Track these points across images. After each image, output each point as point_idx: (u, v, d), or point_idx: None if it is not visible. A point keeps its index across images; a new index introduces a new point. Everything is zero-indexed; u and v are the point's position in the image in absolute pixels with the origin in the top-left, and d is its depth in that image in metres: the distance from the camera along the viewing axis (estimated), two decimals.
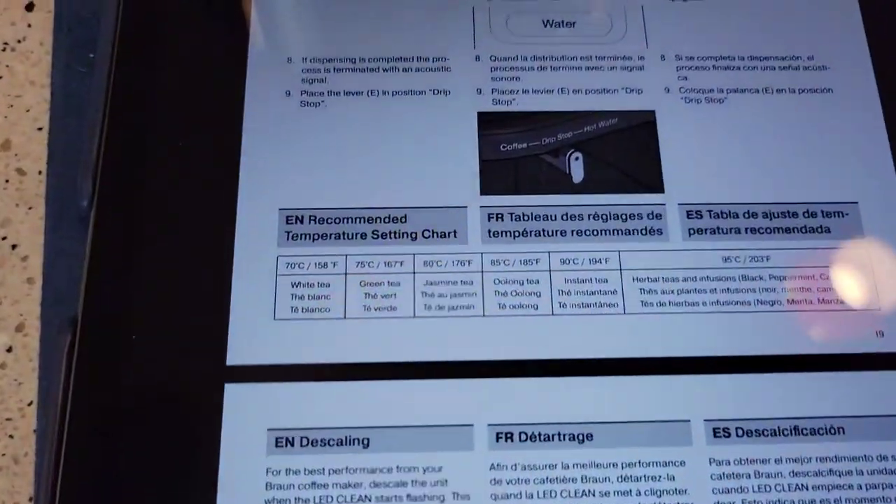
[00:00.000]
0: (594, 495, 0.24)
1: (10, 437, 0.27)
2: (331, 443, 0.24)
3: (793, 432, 0.25)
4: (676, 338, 0.25)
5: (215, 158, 0.27)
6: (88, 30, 0.31)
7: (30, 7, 0.33)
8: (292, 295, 0.25)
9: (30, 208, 0.30)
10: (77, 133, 0.29)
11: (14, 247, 0.29)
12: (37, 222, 0.29)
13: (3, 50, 0.32)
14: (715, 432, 0.24)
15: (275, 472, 0.24)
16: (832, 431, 0.25)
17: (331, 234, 0.26)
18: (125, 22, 0.28)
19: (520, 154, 0.28)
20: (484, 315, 0.26)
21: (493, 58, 0.29)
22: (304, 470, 0.24)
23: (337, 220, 0.26)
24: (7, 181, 0.30)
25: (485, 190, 0.27)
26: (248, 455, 0.24)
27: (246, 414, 0.24)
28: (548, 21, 0.29)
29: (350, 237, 0.26)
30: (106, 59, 0.28)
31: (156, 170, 0.27)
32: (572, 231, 0.27)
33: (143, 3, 0.29)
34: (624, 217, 0.27)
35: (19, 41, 0.32)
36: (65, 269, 0.29)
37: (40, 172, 0.30)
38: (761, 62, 0.29)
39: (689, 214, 0.27)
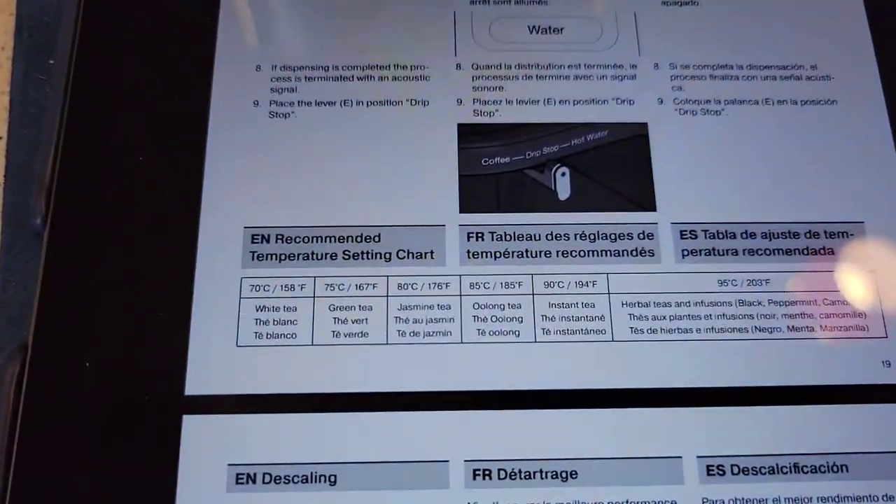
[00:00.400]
0: None
1: None
2: (295, 479, 0.23)
3: (792, 470, 0.23)
4: (668, 368, 0.24)
5: (177, 173, 0.26)
6: (49, 35, 0.30)
7: None
8: (256, 320, 0.24)
9: None
10: (34, 145, 0.28)
11: None
12: None
13: None
14: (709, 470, 0.23)
15: None
16: (835, 469, 0.23)
17: (299, 255, 0.25)
18: (85, 27, 0.27)
19: (502, 169, 0.26)
20: (462, 342, 0.24)
21: (474, 66, 0.27)
22: None
23: (305, 240, 0.25)
24: None
25: (464, 208, 0.26)
26: (206, 492, 0.23)
27: (205, 447, 0.23)
28: (534, 27, 0.28)
29: (319, 258, 0.25)
30: (64, 66, 0.27)
31: (114, 186, 0.25)
32: (557, 252, 0.25)
33: (103, 6, 0.27)
34: (613, 237, 0.25)
35: None
36: (21, 289, 0.27)
37: None
38: (761, 71, 0.28)
39: (682, 235, 0.25)
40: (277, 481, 0.23)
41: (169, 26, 0.28)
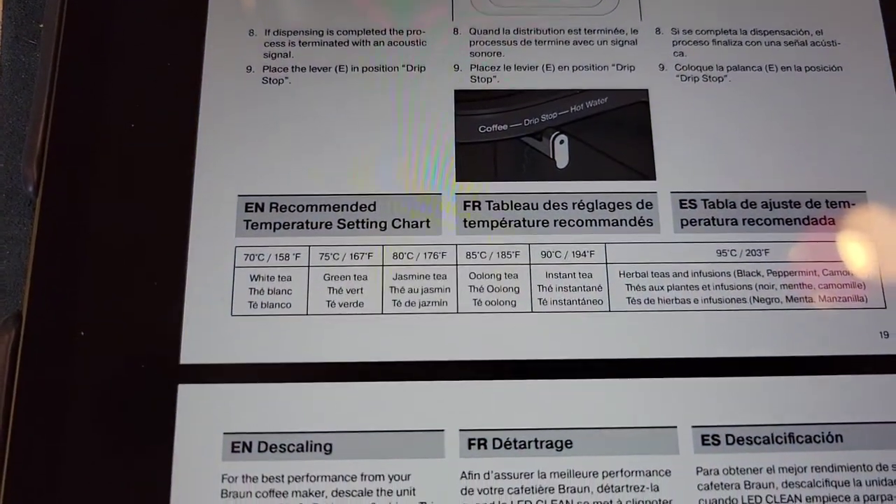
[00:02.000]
0: None
1: None
2: (291, 448, 0.24)
3: (787, 440, 0.24)
4: (665, 338, 0.25)
5: (169, 140, 0.26)
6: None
7: None
8: (251, 289, 0.25)
9: None
10: (26, 111, 0.28)
11: None
12: None
13: None
14: (703, 440, 0.24)
15: (231, 479, 0.23)
16: (829, 439, 0.24)
17: (293, 223, 0.25)
18: None
19: (500, 136, 0.27)
20: (457, 312, 0.25)
21: (472, 31, 0.28)
22: (262, 477, 0.23)
23: (300, 208, 0.26)
24: None
25: (461, 176, 0.26)
26: (202, 460, 0.23)
27: (200, 416, 0.24)
28: None
29: (314, 226, 0.25)
30: (53, 32, 0.27)
31: (105, 153, 0.26)
32: (555, 221, 0.26)
33: None
34: (611, 206, 0.26)
35: None
36: (14, 258, 0.28)
37: None
38: (765, 37, 0.28)
39: (681, 204, 0.26)
40: (273, 450, 0.24)
41: None
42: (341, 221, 0.26)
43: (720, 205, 0.26)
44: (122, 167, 0.26)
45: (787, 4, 0.28)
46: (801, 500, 0.23)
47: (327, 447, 0.24)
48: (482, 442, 0.24)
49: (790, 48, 0.28)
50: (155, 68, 0.27)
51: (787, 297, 0.25)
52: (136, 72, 0.27)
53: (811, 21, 0.28)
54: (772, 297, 0.25)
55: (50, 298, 0.25)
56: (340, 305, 0.25)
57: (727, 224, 0.26)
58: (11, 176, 0.29)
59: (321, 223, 0.26)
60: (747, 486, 0.24)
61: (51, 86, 0.27)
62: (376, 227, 0.26)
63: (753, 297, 0.25)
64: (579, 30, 0.28)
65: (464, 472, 0.23)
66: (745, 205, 0.26)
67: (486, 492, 0.23)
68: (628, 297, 0.25)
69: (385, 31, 0.28)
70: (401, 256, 0.25)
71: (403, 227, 0.26)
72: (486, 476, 0.23)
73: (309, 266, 0.25)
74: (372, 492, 0.23)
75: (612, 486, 0.23)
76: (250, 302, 0.25)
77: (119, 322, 0.25)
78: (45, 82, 0.27)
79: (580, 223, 0.26)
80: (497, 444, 0.24)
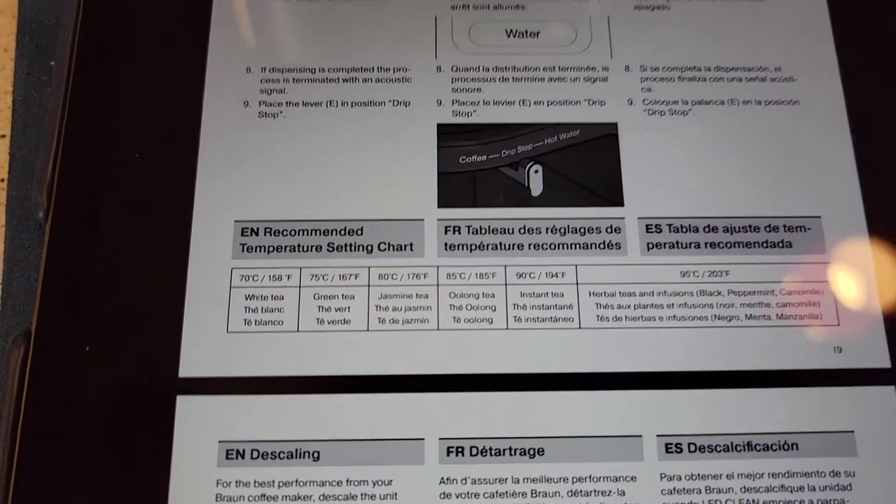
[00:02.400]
0: None
1: None
2: (281, 455, 0.26)
3: (746, 448, 0.26)
4: (631, 353, 0.27)
5: (171, 169, 0.28)
6: (51, 37, 0.33)
7: None
8: (246, 307, 0.27)
9: None
10: (37, 144, 0.31)
11: None
12: None
13: None
14: (667, 448, 0.26)
15: (225, 484, 0.25)
16: (786, 447, 0.26)
17: (286, 247, 0.28)
18: (83, 29, 0.30)
19: (479, 167, 0.29)
20: (438, 329, 0.27)
21: (454, 68, 0.30)
22: (254, 482, 0.25)
23: (292, 233, 0.28)
24: None
25: (442, 203, 0.28)
26: (199, 466, 0.25)
27: (197, 426, 0.26)
28: (511, 31, 0.31)
29: (305, 249, 0.28)
30: (64, 68, 0.30)
31: (111, 182, 0.28)
32: (529, 245, 0.28)
33: (101, 9, 0.30)
34: (582, 231, 0.28)
35: None
36: (24, 279, 0.30)
37: (2, 180, 0.32)
38: (727, 73, 0.30)
39: (647, 228, 0.28)
40: (265, 457, 0.26)
41: (164, 30, 0.30)
42: (330, 245, 0.28)
43: (684, 229, 0.28)
44: (126, 194, 0.28)
45: (748, 43, 0.31)
46: None
47: (315, 454, 0.26)
48: (460, 450, 0.26)
49: (751, 84, 0.30)
50: (158, 102, 0.29)
51: (746, 315, 0.27)
52: (140, 106, 0.29)
53: (770, 59, 0.31)
54: (732, 314, 0.27)
55: (58, 316, 0.27)
56: (329, 323, 0.27)
57: (690, 247, 0.28)
58: (22, 203, 0.31)
59: (312, 246, 0.28)
60: (708, 491, 0.25)
61: (61, 119, 0.29)
62: (363, 250, 0.28)
63: (715, 315, 0.27)
64: (554, 67, 0.30)
65: (443, 478, 0.25)
66: (707, 229, 0.28)
67: (463, 496, 0.25)
68: (597, 315, 0.27)
69: (373, 68, 0.30)
70: (386, 277, 0.27)
71: (389, 250, 0.28)
72: (464, 482, 0.25)
73: (300, 286, 0.27)
74: (356, 496, 0.25)
75: (581, 491, 0.25)
76: (245, 319, 0.27)
77: (122, 338, 0.27)
78: (56, 116, 0.29)
79: (553, 246, 0.28)
80: (474, 451, 0.26)
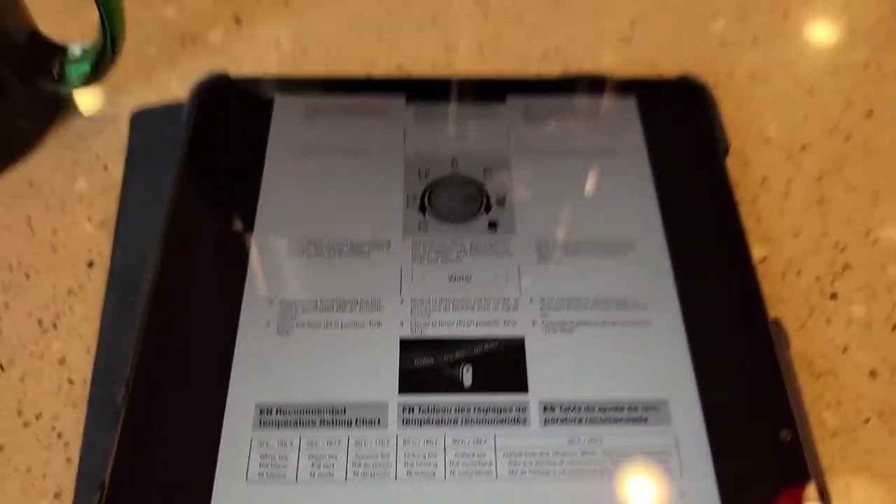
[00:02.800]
0: None
1: None
2: None
3: None
4: (534, 497, 0.38)
5: (212, 373, 0.41)
6: (133, 281, 0.47)
7: (90, 264, 0.49)
8: (260, 464, 0.38)
9: (75, 407, 0.43)
10: (119, 354, 0.44)
11: (59, 435, 0.43)
12: (80, 417, 0.43)
13: (68, 294, 0.47)
14: None
15: None
16: None
17: (291, 422, 0.40)
18: (160, 277, 0.44)
19: (428, 366, 0.42)
20: (396, 479, 0.38)
21: (413, 301, 0.44)
22: None
23: (296, 412, 0.40)
24: (59, 386, 0.44)
25: (402, 391, 0.41)
26: None
27: None
28: (453, 276, 0.45)
29: (304, 423, 0.40)
30: (143, 305, 0.44)
31: (171, 380, 0.41)
32: (462, 420, 0.40)
33: (174, 262, 0.45)
34: (499, 410, 0.40)
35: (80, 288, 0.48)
36: (99, 452, 0.42)
37: (85, 382, 0.44)
38: (602, 303, 0.44)
39: (545, 409, 0.40)
40: None
41: (215, 276, 0.45)
42: (322, 420, 0.40)
43: (572, 408, 0.40)
44: (182, 392, 0.41)
45: (617, 282, 0.45)
46: None
47: None
48: None
49: (617, 310, 0.44)
50: (205, 330, 0.43)
51: (616, 469, 0.39)
52: (196, 332, 0.43)
53: (632, 293, 0.44)
54: (605, 469, 0.39)
55: (124, 474, 0.38)
56: (318, 475, 0.38)
57: (576, 422, 0.40)
58: (103, 399, 0.43)
59: (309, 422, 0.40)
60: None
61: (138, 341, 0.42)
62: (345, 424, 0.40)
63: (592, 470, 0.39)
64: (481, 299, 0.44)
65: None
66: (587, 408, 0.40)
67: None
68: (510, 470, 0.38)
69: (356, 301, 0.44)
70: (360, 443, 0.39)
71: (363, 424, 0.40)
72: None
73: (299, 449, 0.39)
74: None
75: None
76: (259, 472, 0.38)
77: (167, 489, 0.38)
78: (133, 339, 0.43)
79: (479, 421, 0.40)
80: None
